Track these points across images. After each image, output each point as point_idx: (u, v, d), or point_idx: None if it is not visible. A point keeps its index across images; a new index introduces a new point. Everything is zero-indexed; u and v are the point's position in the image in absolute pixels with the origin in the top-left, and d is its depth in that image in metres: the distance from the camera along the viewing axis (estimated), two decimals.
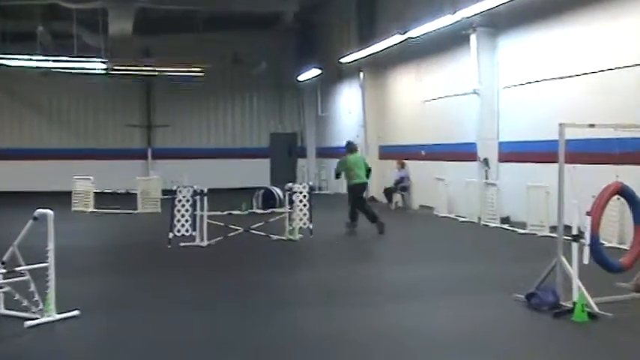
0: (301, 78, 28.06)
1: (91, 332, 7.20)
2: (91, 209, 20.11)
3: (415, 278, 9.88)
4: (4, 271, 7.49)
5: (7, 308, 7.65)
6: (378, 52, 20.08)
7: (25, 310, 7.46)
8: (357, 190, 15.15)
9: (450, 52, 18.60)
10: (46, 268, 7.50)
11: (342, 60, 22.42)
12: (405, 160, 21.36)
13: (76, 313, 7.62)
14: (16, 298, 7.44)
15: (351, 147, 15.48)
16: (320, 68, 26.00)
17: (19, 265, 7.48)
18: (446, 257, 11.84)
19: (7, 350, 6.68)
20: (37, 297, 7.41)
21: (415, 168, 20.88)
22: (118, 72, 24.07)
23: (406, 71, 21.67)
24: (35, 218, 7.46)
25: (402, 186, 21.12)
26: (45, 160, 27.64)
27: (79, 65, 22.50)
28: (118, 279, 10.19)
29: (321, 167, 29.28)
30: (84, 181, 20.70)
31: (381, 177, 22.70)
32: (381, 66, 23.03)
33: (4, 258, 7.55)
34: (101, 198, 20.73)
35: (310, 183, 15.35)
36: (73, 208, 20.17)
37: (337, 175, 15.26)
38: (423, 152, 20.52)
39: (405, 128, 21.96)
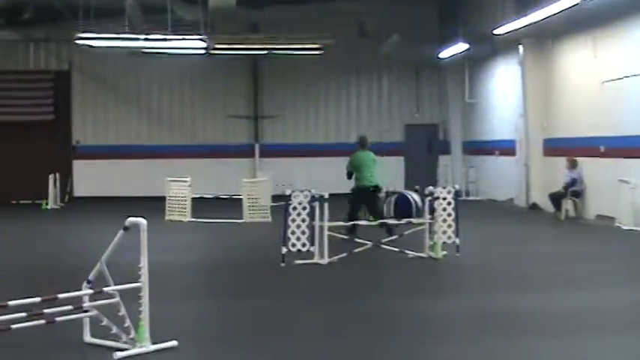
0: (443, 55, 27.84)
1: None
2: (188, 218, 20.69)
3: (602, 306, 9.58)
4: (90, 291, 7.80)
5: (93, 336, 7.96)
6: (542, 19, 19.63)
7: (115, 338, 7.73)
8: (364, 194, 15.96)
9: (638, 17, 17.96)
10: (138, 289, 7.74)
11: (496, 31, 22.08)
12: (577, 158, 20.78)
13: (173, 343, 7.83)
14: (103, 324, 7.73)
15: (362, 142, 16.50)
16: (467, 42, 25.70)
17: (108, 285, 7.77)
18: (629, 281, 11.42)
19: None
20: (128, 323, 7.67)
21: (591, 167, 20.27)
22: (219, 51, 24.64)
23: (579, 44, 21.08)
24: (126, 228, 7.72)
25: (573, 190, 20.58)
26: (133, 159, 28.70)
27: (173, 44, 23.19)
28: (222, 303, 10.42)
29: (469, 167, 28.95)
30: (179, 184, 21.32)
31: (545, 178, 22.16)
32: (545, 38, 22.51)
33: (90, 276, 7.86)
34: (200, 204, 21.30)
35: (456, 187, 15.20)
36: (167, 217, 20.83)
37: (349, 175, 16.24)
38: (601, 148, 19.91)
39: (577, 117, 21.37)
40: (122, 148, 28.87)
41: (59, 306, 7.49)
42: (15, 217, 22.22)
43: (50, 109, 28.33)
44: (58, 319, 7.50)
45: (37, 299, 7.26)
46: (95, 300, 7.84)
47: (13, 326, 7.15)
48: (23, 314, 7.16)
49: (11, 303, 7.03)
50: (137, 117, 29.26)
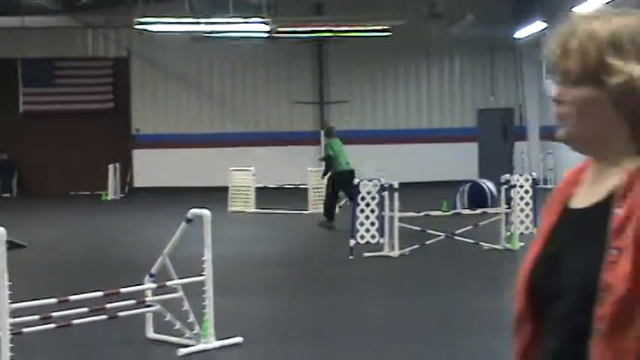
0: (519, 35, 27.49)
1: None
2: (251, 209, 20.82)
3: None
4: (153, 285, 7.90)
5: (157, 331, 8.06)
6: None
7: (179, 334, 7.82)
8: (345, 178, 16.61)
9: None
10: (202, 283, 7.82)
11: (576, 9, 21.70)
12: None
13: (238, 340, 7.89)
14: (167, 319, 7.82)
15: (330, 131, 18.02)
16: (545, 21, 25.33)
17: (171, 279, 7.86)
18: None
19: None
20: (192, 318, 7.75)
21: None
22: (283, 35, 24.71)
23: None
24: (189, 220, 7.79)
25: None
26: (195, 148, 28.94)
27: (235, 28, 23.32)
28: (289, 299, 10.47)
29: (547, 153, 28.58)
30: (243, 174, 21.45)
31: None
32: None
33: (153, 270, 7.96)
34: (264, 194, 21.41)
35: (533, 174, 15.00)
36: (230, 208, 20.98)
37: (326, 160, 17.48)
38: None
39: None
40: (183, 136, 29.13)
41: (121, 300, 7.61)
42: (74, 209, 22.61)
43: (109, 97, 28.75)
44: (121, 314, 7.62)
45: (99, 294, 7.39)
46: (158, 294, 7.94)
47: (74, 322, 7.28)
48: (85, 309, 7.29)
49: (72, 298, 7.16)
50: (198, 104, 29.48)
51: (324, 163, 18.01)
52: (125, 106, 28.99)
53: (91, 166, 26.78)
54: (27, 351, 6.85)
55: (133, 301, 7.75)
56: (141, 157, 28.77)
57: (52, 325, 7.15)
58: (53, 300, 7.08)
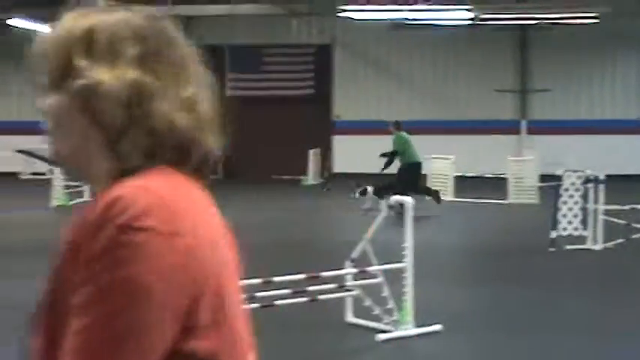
0: None
1: (452, 354, 7.35)
2: (449, 197, 20.65)
3: None
4: (354, 270, 7.95)
5: (355, 316, 8.11)
6: None
7: (377, 319, 7.84)
8: (416, 170, 17.78)
9: None
10: (402, 270, 7.80)
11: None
12: None
13: (437, 328, 7.83)
14: (366, 305, 7.86)
15: (398, 124, 18.47)
16: None
17: (371, 265, 7.89)
18: None
19: None
20: (391, 304, 7.75)
21: None
22: (486, 22, 24.32)
23: None
24: (390, 207, 7.80)
25: None
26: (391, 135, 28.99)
27: (438, 15, 23.17)
28: (488, 289, 10.30)
29: None
30: (442, 162, 21.32)
31: None
32: None
33: (354, 254, 8.01)
34: (463, 183, 21.19)
35: None
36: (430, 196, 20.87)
37: (394, 154, 17.99)
38: None
39: None
40: (383, 124, 29.18)
41: (322, 284, 7.70)
42: (276, 193, 23.14)
43: (311, 84, 29.22)
44: (321, 297, 7.71)
45: (302, 276, 7.49)
46: (358, 279, 7.98)
47: (277, 302, 7.43)
48: (287, 291, 7.43)
49: (276, 279, 7.30)
50: (397, 91, 29.50)
51: (387, 158, 18.43)
52: (326, 92, 29.38)
53: (292, 151, 27.32)
54: None
55: (333, 285, 7.82)
56: (341, 143, 29.08)
57: (256, 305, 7.31)
58: (258, 280, 7.24)
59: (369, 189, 17.95)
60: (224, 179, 28.34)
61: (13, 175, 27.14)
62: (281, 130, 29.07)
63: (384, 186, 17.66)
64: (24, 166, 26.61)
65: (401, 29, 26.46)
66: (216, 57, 29.21)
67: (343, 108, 29.47)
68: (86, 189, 20.47)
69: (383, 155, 18.34)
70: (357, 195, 18.14)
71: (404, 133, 18.30)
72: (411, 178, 17.68)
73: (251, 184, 25.55)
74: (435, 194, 18.39)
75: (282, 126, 29.09)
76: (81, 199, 20.05)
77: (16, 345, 6.08)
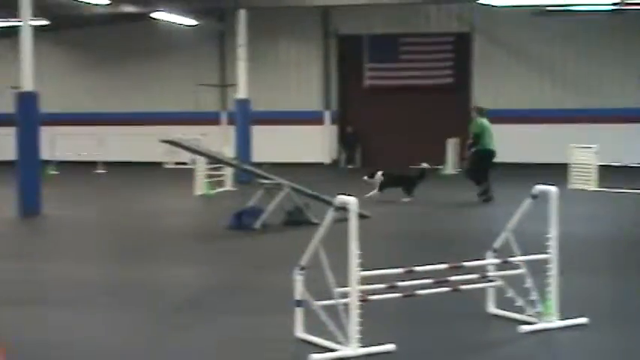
0: None
1: (598, 349, 7.16)
2: (593, 187, 20.14)
3: None
4: (496, 261, 7.85)
5: (497, 307, 8.00)
6: None
7: (520, 311, 7.72)
8: (489, 157, 18.07)
9: None
10: (546, 261, 7.66)
11: None
12: None
13: (583, 320, 7.65)
14: (508, 295, 7.75)
15: (480, 110, 18.52)
16: None
17: (514, 255, 7.77)
18: None
19: (498, 357, 7.01)
20: (534, 296, 7.61)
21: None
22: (632, 7, 23.52)
23: None
24: (534, 196, 7.65)
25: None
26: (535, 123, 28.46)
27: (581, 1, 22.57)
28: (633, 281, 9.98)
29: None
30: (584, 151, 20.81)
31: None
32: None
33: (496, 245, 7.90)
34: (606, 172, 20.64)
35: None
36: (570, 185, 20.42)
37: (476, 138, 17.99)
38: None
39: None
40: (523, 112, 28.74)
41: (464, 274, 7.64)
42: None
43: (449, 73, 28.98)
44: (463, 287, 7.64)
45: (444, 266, 7.45)
46: (500, 270, 7.88)
47: (419, 292, 7.41)
48: (429, 281, 7.40)
49: (417, 269, 7.28)
50: (538, 80, 28.93)
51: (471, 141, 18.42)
52: (465, 81, 29.08)
53: (430, 141, 27.17)
54: (372, 317, 7.06)
55: (475, 275, 7.74)
56: None
57: (398, 294, 7.32)
58: (399, 270, 7.25)
59: (379, 174, 17.90)
60: (362, 169, 28.49)
61: (158, 165, 28.00)
62: (419, 119, 28.97)
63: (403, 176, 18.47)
64: (168, 156, 27.39)
65: (542, 15, 25.92)
66: (355, 47, 29.38)
67: (482, 96, 29.06)
68: (228, 179, 20.98)
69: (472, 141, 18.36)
70: (366, 178, 18.69)
71: (484, 120, 18.24)
72: (481, 164, 18.14)
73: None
74: (485, 193, 18.15)
75: (420, 115, 28.98)
76: (222, 189, 20.53)
77: (161, 324, 6.23)
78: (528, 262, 7.77)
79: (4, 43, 30.11)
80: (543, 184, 7.82)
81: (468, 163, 18.59)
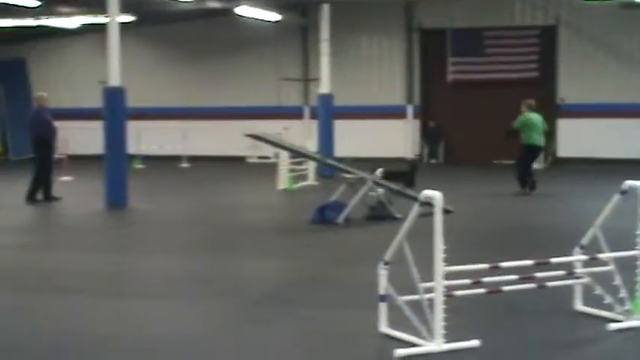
0: None
1: None
2: None
3: None
4: (583, 257, 7.73)
5: (585, 304, 7.89)
6: None
7: (608, 308, 7.60)
8: (534, 152, 18.69)
9: None
10: (635, 258, 7.52)
11: None
12: None
13: None
14: (596, 293, 7.64)
15: (529, 105, 18.85)
16: None
17: (602, 252, 7.64)
18: None
19: (585, 355, 6.91)
20: (623, 293, 7.49)
21: None
22: None
23: None
24: (623, 192, 7.52)
25: None
26: (621, 118, 27.90)
27: None
28: None
29: None
30: None
31: None
32: None
33: (584, 241, 7.78)
34: None
35: None
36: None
37: (514, 133, 18.62)
38: None
39: None
40: (610, 106, 28.18)
41: (550, 270, 7.54)
42: (498, 177, 22.81)
43: (535, 67, 28.55)
44: (549, 283, 7.55)
45: (529, 262, 7.37)
46: (588, 266, 7.76)
47: (504, 288, 7.34)
48: (514, 277, 7.32)
49: (503, 265, 7.22)
50: (626, 73, 28.29)
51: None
52: (550, 75, 28.63)
53: (515, 136, 26.84)
54: (456, 313, 7.02)
55: (561, 272, 7.63)
56: (565, 127, 28.28)
57: (482, 290, 7.26)
58: (484, 265, 7.19)
59: (379, 171, 17.44)
60: (444, 163, 28.35)
61: (241, 159, 28.28)
62: (503, 113, 28.59)
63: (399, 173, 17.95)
64: (252, 150, 27.64)
65: (631, 8, 25.36)
66: (438, 41, 29.18)
67: (568, 91, 28.61)
68: (310, 173, 21.07)
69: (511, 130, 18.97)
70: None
71: (531, 115, 18.72)
72: (525, 158, 18.65)
73: (471, 168, 25.35)
74: (528, 182, 18.52)
75: (504, 110, 28.60)
76: (305, 183, 20.63)
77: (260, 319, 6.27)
78: (617, 259, 7.63)
79: (91, 39, 30.81)
80: (632, 179, 7.68)
81: (517, 158, 18.97)
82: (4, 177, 24.14)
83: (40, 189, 17.60)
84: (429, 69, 29.70)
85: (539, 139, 18.66)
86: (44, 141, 17.56)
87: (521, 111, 18.94)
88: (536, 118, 18.73)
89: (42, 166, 17.53)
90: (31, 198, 17.51)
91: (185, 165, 27.27)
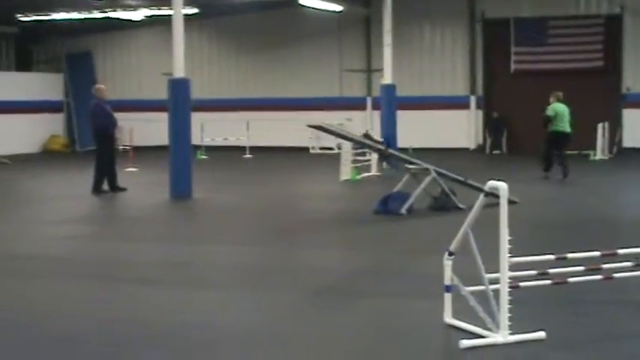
0: None
1: None
2: None
3: None
4: None
5: None
6: None
7: None
8: (562, 138, 19.54)
9: None
10: None
11: None
12: None
13: None
14: None
15: (557, 96, 20.06)
16: None
17: None
18: None
19: None
20: None
21: None
22: None
23: None
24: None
25: None
26: None
27: None
28: None
29: None
30: None
31: None
32: None
33: None
34: None
35: None
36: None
37: (549, 120, 19.62)
38: None
39: None
40: None
41: (617, 262, 7.45)
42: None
43: (599, 56, 28.12)
44: (616, 275, 7.46)
45: (596, 253, 7.29)
46: None
47: (570, 279, 7.28)
48: (581, 268, 7.25)
49: (570, 255, 7.15)
50: None
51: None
52: (615, 64, 28.18)
53: (579, 126, 26.45)
54: (522, 304, 6.97)
55: (629, 263, 7.54)
56: (631, 117, 27.84)
57: (548, 281, 7.21)
58: (550, 256, 7.13)
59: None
60: (507, 154, 28.10)
61: (304, 150, 28.36)
62: (568, 104, 28.22)
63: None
64: (314, 141, 27.72)
65: None
66: (501, 31, 28.90)
67: (634, 80, 28.15)
68: (373, 164, 21.06)
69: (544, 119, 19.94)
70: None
71: (559, 105, 19.83)
72: (553, 145, 19.70)
73: (536, 159, 25.08)
74: (562, 167, 19.39)
75: (569, 100, 28.18)
76: (367, 174, 20.63)
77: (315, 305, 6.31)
78: None
79: (156, 31, 31.15)
80: None
81: (544, 143, 19.99)
82: (71, 168, 24.55)
83: (105, 180, 17.87)
84: (492, 59, 29.45)
85: (566, 127, 19.66)
86: (104, 133, 17.80)
87: (549, 102, 19.95)
88: (562, 107, 19.80)
89: (102, 157, 17.76)
90: (96, 189, 17.78)
91: (248, 156, 27.44)
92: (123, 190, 17.91)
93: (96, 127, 17.91)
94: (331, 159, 22.05)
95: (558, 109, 19.75)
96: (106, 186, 17.86)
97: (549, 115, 19.65)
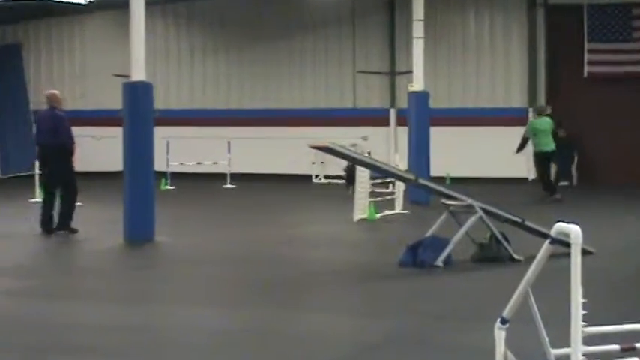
0: None
1: None
2: None
3: None
4: None
5: None
6: None
7: None
8: (546, 160, 22.68)
9: None
10: None
11: None
12: None
13: None
14: None
15: (538, 110, 23.66)
16: None
17: None
18: None
19: None
20: None
21: None
22: None
23: None
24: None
25: None
26: None
27: None
28: None
29: None
30: None
31: None
32: None
33: None
34: None
35: None
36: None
37: (525, 141, 22.88)
38: None
39: None
40: None
41: None
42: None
43: None
44: None
45: None
46: None
47: None
48: None
49: None
50: None
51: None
52: None
53: None
54: None
55: None
56: None
57: (635, 359, 7.15)
58: (637, 326, 7.08)
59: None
60: (578, 186, 28.09)
61: (305, 179, 28.39)
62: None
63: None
64: (319, 167, 27.79)
65: None
66: (571, 20, 28.90)
67: None
68: (399, 198, 21.07)
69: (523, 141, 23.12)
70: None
71: (538, 121, 22.83)
72: (538, 168, 23.11)
73: (617, 193, 25.09)
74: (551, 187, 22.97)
75: None
76: (390, 212, 20.64)
77: None
78: None
79: (106, 19, 31.26)
80: None
81: (534, 166, 23.50)
82: None
83: (53, 215, 18.00)
84: (559, 58, 29.50)
85: (548, 145, 22.54)
86: (64, 152, 17.91)
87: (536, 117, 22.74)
88: (542, 123, 22.68)
89: (72, 183, 18.08)
90: (66, 225, 17.97)
91: (229, 186, 27.49)
92: (75, 232, 17.98)
93: (59, 144, 17.99)
94: (342, 191, 22.06)
95: (538, 126, 22.13)
96: (54, 222, 17.95)
97: (524, 137, 22.19)
